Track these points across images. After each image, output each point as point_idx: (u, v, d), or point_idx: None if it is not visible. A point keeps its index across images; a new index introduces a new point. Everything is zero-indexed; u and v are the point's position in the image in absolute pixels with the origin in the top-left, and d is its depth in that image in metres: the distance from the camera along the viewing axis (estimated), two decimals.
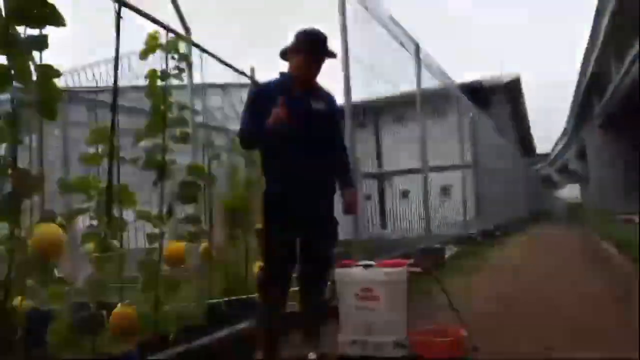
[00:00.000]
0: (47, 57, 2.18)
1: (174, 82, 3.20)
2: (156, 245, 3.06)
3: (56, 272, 2.44)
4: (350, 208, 3.13)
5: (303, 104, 2.95)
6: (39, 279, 2.32)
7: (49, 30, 2.14)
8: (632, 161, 23.90)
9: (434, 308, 4.32)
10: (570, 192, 66.96)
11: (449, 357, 2.62)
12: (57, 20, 2.12)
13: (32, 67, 2.11)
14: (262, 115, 2.80)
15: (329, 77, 3.87)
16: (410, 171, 7.56)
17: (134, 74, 3.71)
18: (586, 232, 13.84)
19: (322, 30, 3.03)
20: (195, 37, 4.06)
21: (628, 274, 5.38)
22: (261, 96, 3.02)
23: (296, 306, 3.43)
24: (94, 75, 4.42)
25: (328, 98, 3.12)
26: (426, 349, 2.68)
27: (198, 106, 4.26)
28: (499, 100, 25.01)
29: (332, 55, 3.04)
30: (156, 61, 3.14)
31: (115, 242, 2.85)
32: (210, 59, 4.31)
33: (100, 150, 2.89)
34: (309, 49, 2.93)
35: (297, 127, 2.84)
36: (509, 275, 6.11)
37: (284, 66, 3.07)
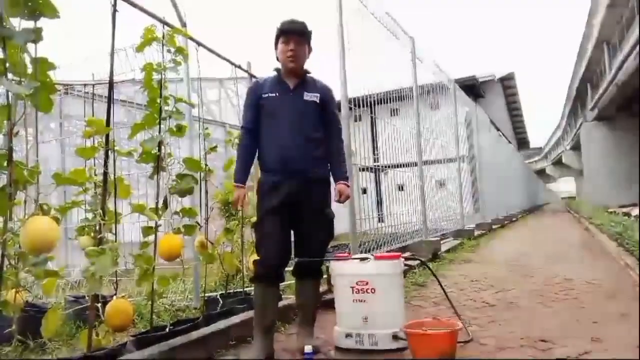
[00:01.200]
0: (44, 50, 2.17)
1: (170, 75, 3.19)
2: (151, 237, 3.06)
3: (50, 265, 2.44)
4: (340, 197, 3.11)
5: (296, 96, 3.02)
6: (32, 272, 2.32)
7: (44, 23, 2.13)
8: (627, 154, 24.04)
9: (429, 301, 4.35)
10: (564, 185, 67.34)
11: (445, 349, 2.63)
12: (51, 11, 2.11)
13: (27, 60, 2.10)
14: (259, 109, 3.02)
15: (326, 71, 3.88)
16: (406, 165, 7.57)
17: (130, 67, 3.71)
18: (582, 224, 13.89)
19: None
20: (191, 31, 4.03)
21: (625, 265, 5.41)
22: (257, 92, 3.08)
23: (292, 299, 3.44)
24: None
25: (322, 90, 3.13)
26: (422, 341, 2.69)
27: (194, 99, 4.24)
28: (494, 94, 25.10)
29: (304, 33, 3.08)
30: (153, 55, 3.14)
31: (110, 235, 2.85)
32: (207, 52, 4.28)
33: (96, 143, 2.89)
34: (281, 31, 3.05)
35: (291, 119, 2.92)
36: (506, 267, 6.13)
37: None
